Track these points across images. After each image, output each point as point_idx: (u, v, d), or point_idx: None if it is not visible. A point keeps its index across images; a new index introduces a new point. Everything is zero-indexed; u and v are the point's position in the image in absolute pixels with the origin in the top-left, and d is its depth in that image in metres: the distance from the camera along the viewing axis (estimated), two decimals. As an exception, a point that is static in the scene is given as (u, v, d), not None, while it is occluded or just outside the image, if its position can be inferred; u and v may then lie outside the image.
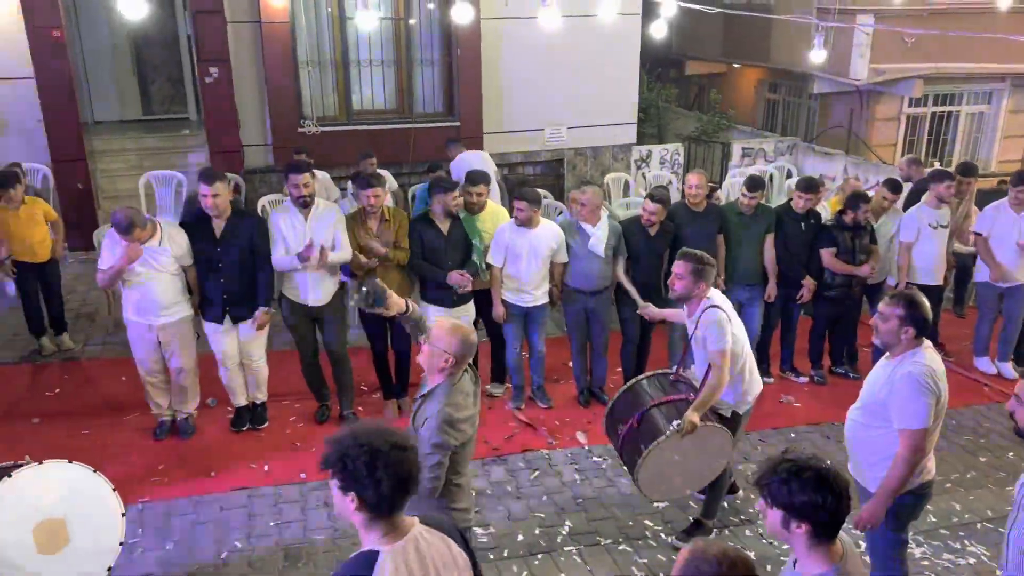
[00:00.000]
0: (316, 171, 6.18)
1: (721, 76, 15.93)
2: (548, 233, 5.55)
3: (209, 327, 5.20)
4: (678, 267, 4.11)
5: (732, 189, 9.05)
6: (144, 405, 5.44)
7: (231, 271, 5.02)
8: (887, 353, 3.46)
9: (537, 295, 5.63)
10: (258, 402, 5.55)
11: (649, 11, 9.62)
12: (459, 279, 5.31)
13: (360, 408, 5.74)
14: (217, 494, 4.80)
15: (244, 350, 5.30)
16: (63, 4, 8.45)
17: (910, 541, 3.95)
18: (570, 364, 6.17)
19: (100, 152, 9.19)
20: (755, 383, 4.38)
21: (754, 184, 6.02)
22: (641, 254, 5.72)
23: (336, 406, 5.69)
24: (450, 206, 5.41)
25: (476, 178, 5.72)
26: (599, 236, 5.57)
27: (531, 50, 9.89)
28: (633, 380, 4.46)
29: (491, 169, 7.62)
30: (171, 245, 4.91)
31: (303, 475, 4.98)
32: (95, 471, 3.46)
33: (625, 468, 4.40)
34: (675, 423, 3.93)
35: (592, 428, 5.63)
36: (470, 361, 3.19)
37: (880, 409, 3.39)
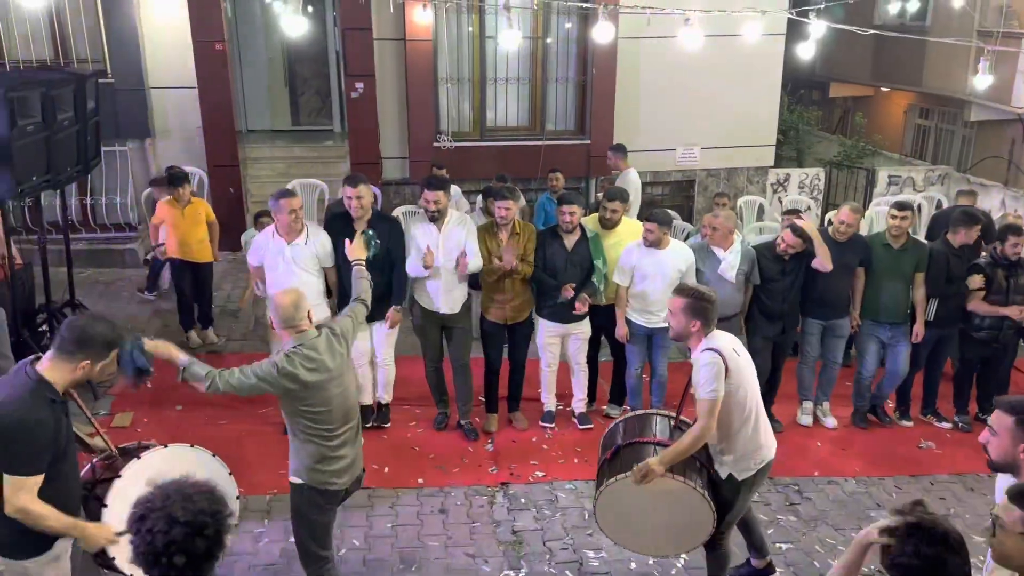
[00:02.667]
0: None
1: (867, 99, 15.20)
2: (677, 255, 5.44)
3: None
4: (671, 302, 3.71)
5: (877, 219, 8.57)
6: (275, 399, 5.68)
7: (369, 271, 5.20)
8: None
9: (663, 317, 5.49)
10: (383, 402, 5.71)
11: (794, 31, 9.31)
12: (569, 292, 5.27)
13: (476, 419, 5.80)
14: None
15: (375, 349, 5.47)
16: (226, 19, 9.08)
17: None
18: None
19: (252, 159, 9.79)
20: (763, 449, 3.77)
21: (903, 204, 5.71)
22: (772, 281, 5.51)
23: (455, 414, 5.78)
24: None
25: (612, 194, 5.70)
26: (730, 261, 5.41)
27: (668, 69, 9.77)
28: (642, 412, 4.25)
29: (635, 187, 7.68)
30: (315, 245, 5.16)
31: (421, 480, 5.08)
32: (214, 455, 3.63)
33: None
34: (635, 466, 3.59)
35: (713, 458, 5.45)
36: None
37: None
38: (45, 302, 6.18)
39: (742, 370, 3.65)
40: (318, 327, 3.58)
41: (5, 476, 2.74)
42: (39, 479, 2.78)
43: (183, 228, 6.59)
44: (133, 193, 8.94)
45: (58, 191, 6.56)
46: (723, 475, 3.73)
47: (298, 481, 3.62)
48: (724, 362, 3.53)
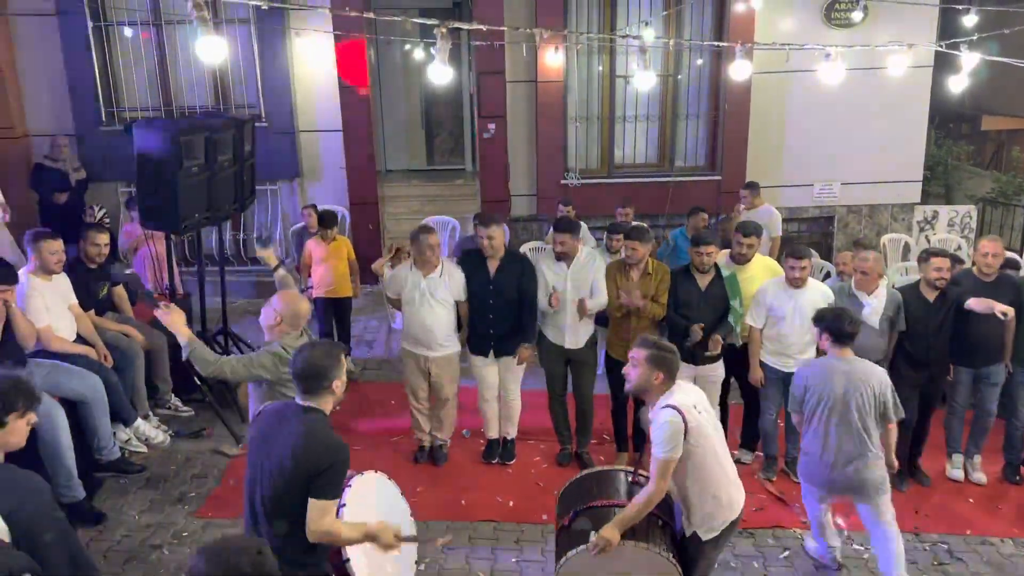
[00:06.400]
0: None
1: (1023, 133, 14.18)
2: (817, 295, 5.23)
3: (475, 360, 5.54)
4: (633, 353, 3.57)
5: (1037, 259, 7.93)
6: (407, 429, 5.88)
7: (501, 308, 5.33)
8: None
9: (801, 360, 5.31)
10: (509, 437, 5.78)
11: (942, 62, 8.85)
12: (697, 333, 5.16)
13: (602, 458, 5.75)
14: (467, 522, 5.04)
15: (503, 384, 5.57)
16: (369, 66, 9.60)
17: None
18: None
19: (390, 197, 10.25)
20: (726, 509, 3.59)
21: None
22: (918, 325, 5.20)
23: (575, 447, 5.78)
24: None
25: (747, 229, 5.60)
26: (875, 306, 5.15)
27: (806, 102, 9.51)
28: (600, 468, 4.13)
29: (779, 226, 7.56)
30: (449, 280, 5.33)
31: (544, 516, 5.07)
32: (388, 477, 3.75)
33: None
34: (592, 536, 3.45)
35: (852, 513, 5.16)
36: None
37: None
38: (201, 330, 6.66)
39: (702, 427, 3.50)
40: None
41: (313, 503, 2.93)
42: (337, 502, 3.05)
43: (327, 264, 6.96)
44: (282, 229, 9.55)
45: (215, 226, 7.09)
46: (687, 533, 3.61)
47: None
48: (684, 421, 3.40)
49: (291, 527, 2.97)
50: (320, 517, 2.94)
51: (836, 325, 4.26)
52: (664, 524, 3.66)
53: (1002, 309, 4.85)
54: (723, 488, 3.60)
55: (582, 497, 3.82)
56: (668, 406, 3.45)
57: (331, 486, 2.96)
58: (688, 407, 3.48)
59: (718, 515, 3.60)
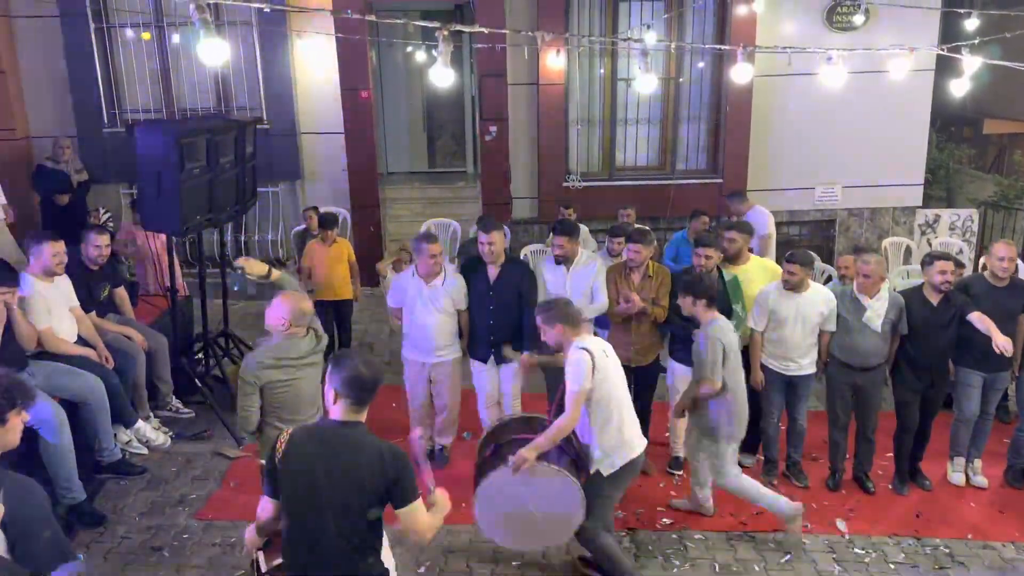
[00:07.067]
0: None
1: (1027, 136, 14.16)
2: (818, 298, 5.23)
3: (475, 366, 5.53)
4: (537, 323, 4.20)
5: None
6: (407, 431, 5.85)
7: (501, 313, 5.32)
8: None
9: (803, 364, 5.30)
10: (509, 442, 5.76)
11: (943, 65, 8.85)
12: (696, 335, 5.15)
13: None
14: (468, 525, 5.01)
15: (503, 389, 5.55)
16: (371, 69, 9.61)
17: None
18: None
19: (391, 200, 10.25)
20: (626, 446, 4.14)
21: None
22: (921, 329, 5.18)
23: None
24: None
25: (729, 224, 5.64)
26: (876, 309, 5.14)
27: (807, 107, 9.52)
28: (526, 414, 4.69)
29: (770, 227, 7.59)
30: (451, 287, 5.33)
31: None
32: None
33: None
34: (510, 458, 3.96)
35: (853, 517, 5.16)
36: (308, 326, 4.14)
37: None
38: (202, 331, 6.66)
39: (608, 370, 4.06)
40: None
41: (406, 511, 2.89)
42: None
43: (328, 266, 6.96)
44: (283, 230, 9.55)
45: (217, 228, 7.09)
46: (592, 471, 4.12)
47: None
48: (592, 360, 3.96)
49: (366, 538, 2.93)
50: (416, 519, 2.92)
51: (705, 289, 4.64)
52: (572, 461, 4.15)
53: (1002, 343, 4.74)
54: (625, 427, 4.13)
55: (504, 433, 4.38)
56: (580, 347, 4.03)
57: (413, 487, 2.92)
58: (597, 351, 4.05)
59: (618, 452, 4.11)
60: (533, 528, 4.14)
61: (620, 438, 4.11)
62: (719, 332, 4.62)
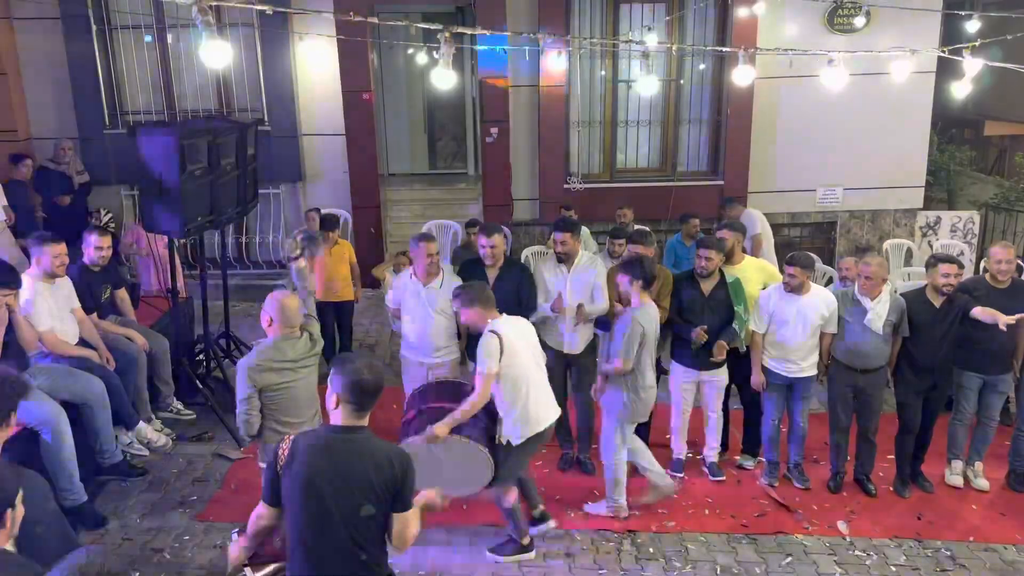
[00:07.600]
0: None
1: (1028, 138, 14.16)
2: (819, 300, 5.23)
3: (474, 367, 5.51)
4: (453, 306, 4.53)
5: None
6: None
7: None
8: None
9: (804, 366, 5.30)
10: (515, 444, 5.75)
11: (944, 67, 8.85)
12: (702, 336, 5.18)
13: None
14: (469, 525, 5.02)
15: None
16: (372, 70, 9.62)
17: None
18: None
19: (392, 201, 10.25)
20: (533, 421, 4.38)
21: None
22: (923, 331, 5.18)
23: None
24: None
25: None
26: (877, 311, 5.13)
27: (809, 109, 9.52)
28: (451, 379, 4.91)
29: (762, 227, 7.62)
30: (449, 289, 5.30)
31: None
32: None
33: None
34: (427, 429, 4.21)
35: (854, 519, 5.16)
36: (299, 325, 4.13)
37: None
38: (203, 333, 6.66)
39: (517, 352, 4.30)
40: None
41: (400, 516, 2.85)
42: None
43: (329, 267, 6.97)
44: (284, 232, 9.55)
45: (218, 230, 7.09)
46: (503, 441, 4.38)
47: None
48: (500, 343, 4.20)
49: (375, 544, 2.89)
50: (406, 529, 2.87)
51: (643, 271, 4.74)
52: (484, 430, 4.41)
53: (1005, 320, 4.81)
54: (531, 405, 4.37)
55: (424, 399, 4.62)
56: (491, 331, 4.25)
57: (411, 494, 2.88)
58: (507, 334, 4.26)
59: (525, 427, 4.37)
60: (445, 484, 4.11)
61: (527, 414, 4.37)
62: (644, 318, 4.73)
